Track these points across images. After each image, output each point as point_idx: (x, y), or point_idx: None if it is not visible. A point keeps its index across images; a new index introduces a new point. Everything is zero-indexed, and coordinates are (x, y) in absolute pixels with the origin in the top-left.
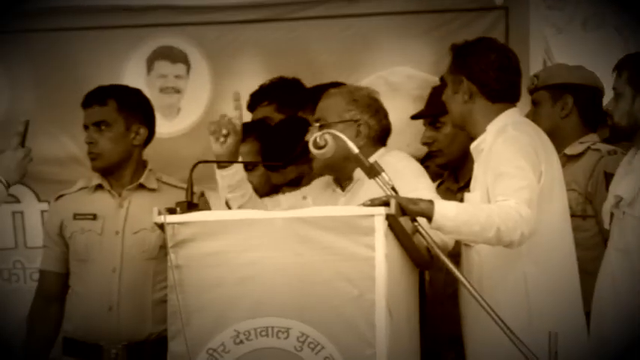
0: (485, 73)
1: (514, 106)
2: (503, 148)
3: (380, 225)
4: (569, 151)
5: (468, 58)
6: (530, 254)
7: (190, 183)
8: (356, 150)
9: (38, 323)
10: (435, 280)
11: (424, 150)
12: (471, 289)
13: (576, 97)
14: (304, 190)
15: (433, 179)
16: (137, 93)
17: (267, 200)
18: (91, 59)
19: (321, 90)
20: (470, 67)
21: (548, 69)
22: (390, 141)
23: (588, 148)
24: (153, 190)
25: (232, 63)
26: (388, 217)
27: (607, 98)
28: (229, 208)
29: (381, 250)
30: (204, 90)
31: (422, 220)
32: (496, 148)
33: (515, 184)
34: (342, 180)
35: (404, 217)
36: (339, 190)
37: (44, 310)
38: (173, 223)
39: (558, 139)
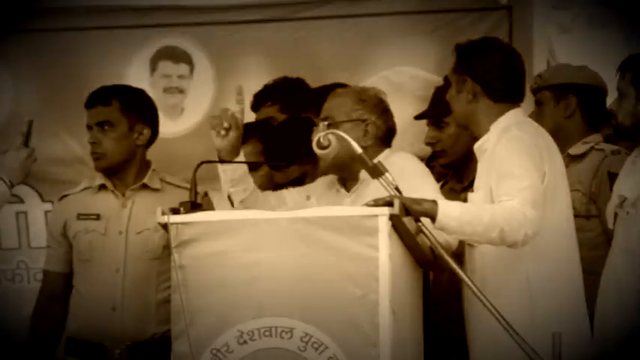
0: (489, 73)
1: (518, 106)
2: (506, 149)
3: (384, 225)
4: (572, 151)
5: (472, 57)
6: (533, 254)
7: (194, 183)
8: (359, 150)
9: (42, 323)
10: (439, 280)
11: (427, 150)
12: (474, 289)
13: (580, 97)
14: (308, 189)
15: (437, 179)
16: (141, 93)
17: (270, 194)
18: (94, 59)
19: (324, 91)
20: (474, 66)
21: (551, 69)
22: (394, 141)
23: (592, 148)
24: (156, 190)
25: (236, 63)
26: (392, 217)
27: (611, 98)
28: (231, 202)
29: (384, 251)
30: (208, 90)
31: (426, 221)
32: (500, 149)
33: (519, 184)
34: (348, 180)
35: (408, 218)
36: (343, 190)
37: (48, 310)
38: (177, 223)
39: (562, 139)
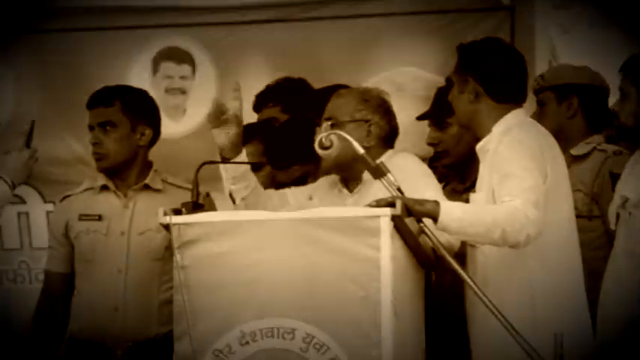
0: (491, 73)
1: (520, 106)
2: (508, 149)
3: (386, 226)
4: (574, 151)
5: (475, 58)
6: (535, 255)
7: (196, 184)
8: (361, 150)
9: (43, 324)
10: (441, 281)
11: (429, 150)
12: (476, 289)
13: (582, 97)
14: (309, 189)
15: (439, 180)
16: (143, 94)
17: (272, 193)
18: (96, 60)
19: (326, 92)
20: (476, 67)
21: (553, 69)
22: (396, 141)
23: (594, 148)
24: (158, 190)
25: (238, 64)
26: (394, 217)
27: (612, 98)
28: (232, 200)
29: (386, 251)
30: (210, 91)
31: (428, 221)
32: (502, 149)
33: (521, 184)
34: (350, 180)
35: (410, 218)
36: (345, 190)
37: (50, 310)
38: (179, 224)
39: (564, 139)
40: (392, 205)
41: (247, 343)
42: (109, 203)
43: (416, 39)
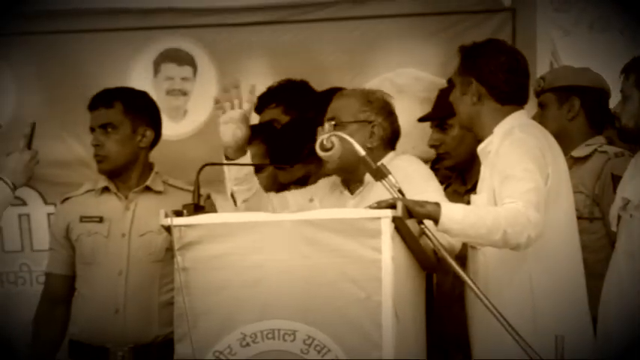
0: (494, 75)
1: (521, 108)
2: (510, 151)
3: (386, 227)
4: (576, 153)
5: (478, 59)
6: (536, 256)
7: (197, 185)
8: (362, 152)
9: (44, 326)
10: (443, 283)
11: (430, 152)
12: (477, 290)
13: (583, 99)
14: (310, 190)
15: (441, 182)
16: (143, 95)
17: (273, 196)
18: (97, 61)
19: (328, 94)
20: (479, 68)
21: (554, 71)
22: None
23: (595, 150)
24: (159, 192)
25: (239, 65)
26: (395, 219)
27: (613, 100)
28: (234, 201)
29: (387, 253)
30: (211, 92)
31: (429, 223)
32: (503, 151)
33: (522, 186)
34: (352, 182)
35: (411, 220)
36: (347, 192)
37: (50, 312)
38: (180, 226)
39: (565, 141)
40: (393, 206)
41: (248, 344)
42: (110, 205)
43: (417, 40)
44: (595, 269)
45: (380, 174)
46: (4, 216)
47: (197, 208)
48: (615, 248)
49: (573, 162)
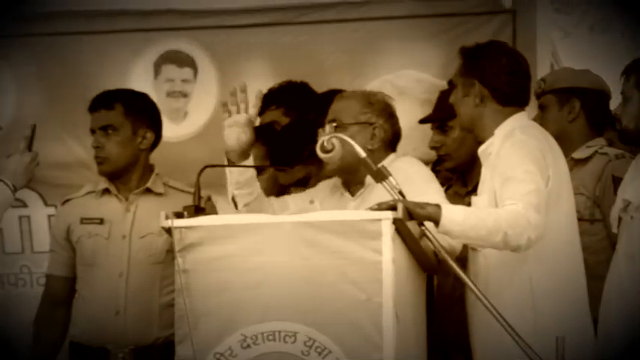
0: (497, 77)
1: (523, 110)
2: (511, 152)
3: (387, 229)
4: (576, 155)
5: (481, 61)
6: (536, 258)
7: (197, 187)
8: (363, 154)
9: (45, 328)
10: (444, 285)
11: (431, 154)
12: (477, 292)
13: (583, 100)
14: (310, 193)
15: (442, 183)
16: (144, 97)
17: (273, 201)
18: (98, 63)
19: (328, 96)
20: (482, 70)
21: (555, 73)
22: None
23: (596, 152)
24: (160, 194)
25: (240, 67)
26: (395, 221)
27: (614, 102)
28: (235, 204)
29: (388, 254)
30: (212, 94)
31: (429, 225)
32: (504, 152)
33: (523, 188)
34: (353, 184)
35: (411, 222)
36: (347, 194)
37: (51, 314)
38: (180, 228)
39: (565, 143)
40: (393, 208)
41: (249, 346)
42: (110, 207)
43: (417, 42)
44: (596, 271)
45: (380, 176)
46: (5, 218)
47: (198, 210)
48: (616, 250)
49: (574, 164)
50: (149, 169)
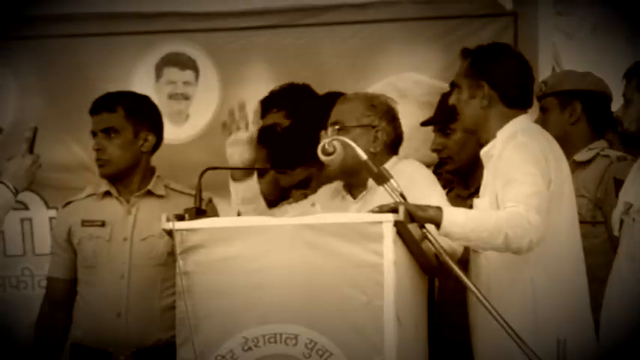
0: (506, 78)
1: (525, 112)
2: (512, 154)
3: (388, 231)
4: (578, 157)
5: (489, 63)
6: (538, 260)
7: (199, 189)
8: (364, 156)
9: (46, 330)
10: (445, 287)
11: (432, 156)
12: (478, 295)
13: (585, 103)
14: (312, 198)
15: (444, 186)
16: (145, 100)
17: (275, 211)
18: (99, 66)
19: (331, 98)
20: (491, 72)
21: (556, 75)
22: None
23: (597, 154)
24: (161, 196)
25: (241, 69)
26: (396, 223)
27: (615, 104)
28: None
29: (389, 257)
30: (213, 96)
31: (430, 227)
32: (506, 154)
33: (524, 190)
34: (355, 187)
35: (412, 224)
36: (349, 197)
37: (52, 316)
38: (182, 230)
39: (567, 145)
40: (395, 210)
41: (250, 348)
42: (111, 209)
43: (419, 45)
44: (597, 273)
45: (382, 178)
46: (6, 220)
47: (199, 212)
48: (617, 252)
49: (576, 166)
50: (150, 172)
